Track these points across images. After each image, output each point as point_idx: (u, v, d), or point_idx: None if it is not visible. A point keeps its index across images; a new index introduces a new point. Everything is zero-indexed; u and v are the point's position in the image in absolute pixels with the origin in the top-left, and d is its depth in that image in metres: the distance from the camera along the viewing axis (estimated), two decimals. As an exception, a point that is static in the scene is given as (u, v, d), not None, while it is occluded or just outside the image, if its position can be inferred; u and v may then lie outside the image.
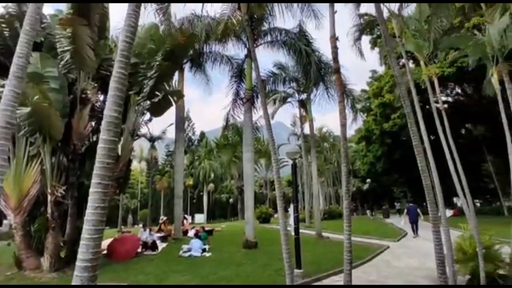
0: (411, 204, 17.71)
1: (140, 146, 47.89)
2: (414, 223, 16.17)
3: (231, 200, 55.68)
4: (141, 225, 19.32)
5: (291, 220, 8.93)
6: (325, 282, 7.96)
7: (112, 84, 2.72)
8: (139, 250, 12.13)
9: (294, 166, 8.93)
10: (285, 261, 2.99)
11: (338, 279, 8.14)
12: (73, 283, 2.28)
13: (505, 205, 28.34)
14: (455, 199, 41.96)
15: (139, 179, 54.97)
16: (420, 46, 8.13)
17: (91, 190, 2.43)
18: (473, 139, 31.37)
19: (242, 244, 12.52)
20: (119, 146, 12.93)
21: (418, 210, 16.29)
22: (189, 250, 11.53)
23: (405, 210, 17.39)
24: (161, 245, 13.33)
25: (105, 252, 11.68)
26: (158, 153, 59.91)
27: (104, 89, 13.05)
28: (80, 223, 10.32)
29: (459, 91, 30.09)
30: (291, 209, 9.46)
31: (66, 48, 10.41)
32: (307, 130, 21.83)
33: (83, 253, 2.27)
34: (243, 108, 15.18)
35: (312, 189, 19.38)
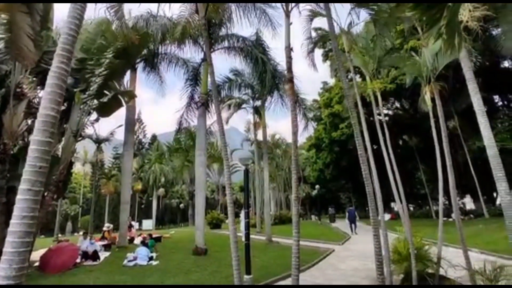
0: (350, 208, 22.60)
1: (85, 148, 44.37)
2: (352, 222, 20.32)
3: (181, 205, 54.07)
4: (81, 233, 17.80)
5: (242, 226, 8.93)
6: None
7: (50, 80, 2.47)
8: (78, 260, 11.15)
9: (246, 172, 8.98)
10: (234, 268, 2.98)
11: (287, 283, 8.34)
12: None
13: (433, 209, 31.55)
14: (392, 204, 45.73)
15: (82, 183, 50.85)
16: (366, 62, 8.80)
17: (18, 197, 2.17)
18: (408, 149, 34.53)
19: (191, 251, 12.20)
20: (60, 147, 11.88)
21: (355, 213, 20.49)
22: (135, 258, 10.90)
23: (346, 213, 21.29)
24: (103, 254, 12.41)
25: (37, 264, 10.54)
26: (105, 156, 56.16)
27: (43, 84, 11.89)
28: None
29: (398, 105, 33.08)
30: (242, 215, 9.48)
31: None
32: (260, 136, 22.17)
33: (5, 269, 2.02)
34: (197, 112, 14.92)
35: (264, 195, 19.67)
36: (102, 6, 10.15)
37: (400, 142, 37.72)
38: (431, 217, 28.31)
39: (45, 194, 10.26)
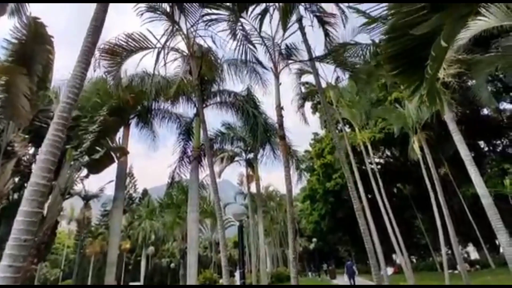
0: (349, 262, 23.26)
1: (72, 204, 42.72)
2: (351, 277, 20.44)
3: (172, 264, 50.78)
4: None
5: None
6: None
7: (44, 148, 2.42)
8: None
9: (240, 228, 8.65)
10: None
11: None
12: None
13: (437, 260, 30.27)
14: (394, 256, 43.84)
15: (66, 243, 48.04)
16: (354, 114, 9.17)
17: (-1, 274, 1.96)
18: (404, 197, 34.31)
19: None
20: (46, 207, 11.43)
21: (354, 268, 21.43)
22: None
23: (345, 268, 22.03)
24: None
25: None
26: (93, 213, 54.06)
27: (36, 141, 11.85)
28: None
29: (389, 153, 33.71)
30: (237, 274, 8.89)
31: (-4, 96, 9.52)
32: (254, 189, 21.91)
33: None
34: (189, 167, 14.85)
35: (259, 251, 18.76)
36: (99, 72, 10.65)
37: (395, 190, 37.55)
38: (436, 270, 27.04)
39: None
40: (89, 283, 34.98)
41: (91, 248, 41.62)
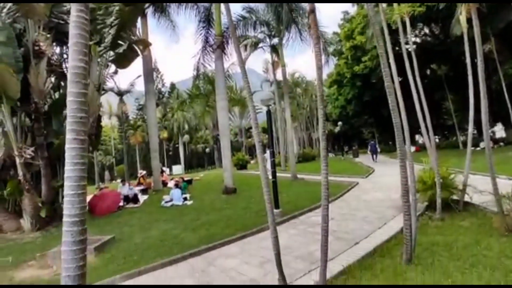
0: (372, 142, 28.72)
1: (109, 101, 45.57)
2: (373, 153, 25.27)
3: (207, 149, 56.13)
4: (119, 181, 19.31)
5: (268, 165, 9.30)
6: (301, 218, 8.64)
7: (73, 31, 2.43)
8: (121, 204, 12.31)
9: (268, 113, 9.03)
10: (266, 203, 3.21)
11: (313, 215, 8.88)
12: (63, 239, 2.35)
13: (460, 139, 30.80)
14: (417, 137, 45.02)
15: (112, 135, 53.34)
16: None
17: (67, 146, 2.34)
18: (436, 79, 32.57)
19: (221, 191, 13.02)
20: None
21: (377, 146, 26.40)
22: (171, 200, 11.87)
23: (369, 146, 27.16)
24: (142, 198, 13.58)
25: (86, 208, 11.78)
26: (129, 108, 57.56)
27: (59, 40, 11.86)
28: (56, 183, 10.15)
29: (427, 31, 30.34)
30: (267, 154, 9.82)
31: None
32: (279, 76, 21.60)
33: (68, 209, 2.30)
34: (213, 56, 14.57)
35: (287, 134, 19.87)
36: None
37: (428, 72, 35.53)
38: (458, 148, 27.78)
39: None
40: (138, 167, 40.32)
41: (134, 139, 46.17)
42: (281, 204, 8.95)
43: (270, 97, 9.00)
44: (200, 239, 7.11)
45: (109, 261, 6.27)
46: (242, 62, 3.47)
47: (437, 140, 43.48)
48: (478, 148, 24.34)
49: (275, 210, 8.46)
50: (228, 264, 5.60)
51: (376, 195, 10.83)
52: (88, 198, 12.27)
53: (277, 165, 23.92)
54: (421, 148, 32.95)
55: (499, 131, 35.84)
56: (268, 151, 9.60)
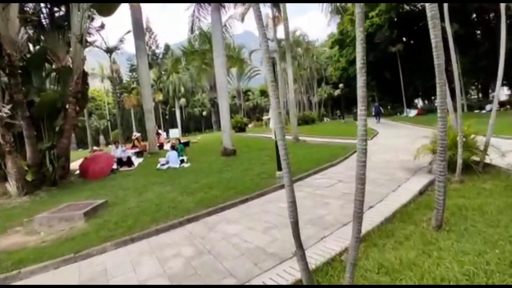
0: (376, 104, 30.61)
1: (100, 63, 43.57)
2: (377, 115, 26.91)
3: (204, 113, 55.04)
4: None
5: (271, 124, 8.57)
6: (306, 181, 8.11)
7: None
8: (115, 167, 11.74)
9: (272, 65, 8.11)
10: (283, 161, 2.52)
11: (319, 177, 8.35)
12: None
13: (465, 103, 29.95)
14: (416, 101, 44.12)
15: (106, 99, 51.83)
16: None
17: None
18: (444, 39, 30.85)
19: (220, 152, 12.42)
20: (69, 58, 11.19)
21: (380, 108, 28.00)
22: (167, 162, 11.28)
23: (372, 108, 28.41)
24: (137, 161, 13.01)
25: (78, 172, 11.19)
26: (122, 71, 55.45)
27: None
28: (41, 145, 9.42)
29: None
30: (271, 113, 9.00)
31: None
32: (280, 34, 20.04)
33: None
34: (209, 8, 13.19)
35: (289, 94, 18.88)
36: None
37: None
38: (462, 111, 27.06)
39: (66, 107, 10.09)
40: (134, 130, 39.51)
41: (128, 102, 44.88)
42: (284, 166, 8.36)
43: (274, 49, 8.01)
44: (198, 202, 6.59)
45: (101, 226, 5.74)
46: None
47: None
48: (483, 111, 23.68)
49: (279, 172, 7.90)
50: (230, 230, 5.08)
51: (383, 156, 10.28)
52: (80, 161, 11.67)
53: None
54: (423, 111, 32.29)
55: (505, 92, 34.96)
56: (271, 110, 8.80)
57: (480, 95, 35.76)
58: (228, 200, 6.61)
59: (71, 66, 10.28)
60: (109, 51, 24.93)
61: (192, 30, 16.43)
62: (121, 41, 23.39)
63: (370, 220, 4.86)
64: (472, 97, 39.08)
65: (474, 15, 28.62)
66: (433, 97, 43.76)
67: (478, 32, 30.79)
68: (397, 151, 10.96)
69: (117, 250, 4.79)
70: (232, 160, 11.52)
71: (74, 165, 11.98)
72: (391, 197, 6.02)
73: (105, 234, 5.33)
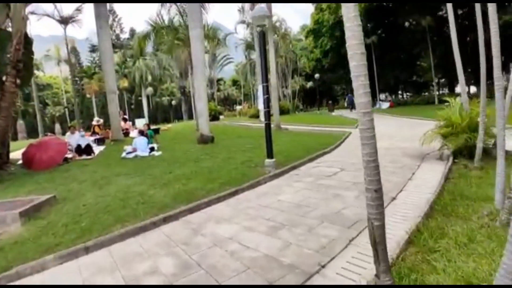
0: (349, 95, 31.80)
1: (56, 46, 39.48)
2: (351, 104, 28.19)
3: (173, 102, 52.19)
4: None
5: (260, 104, 7.36)
6: (302, 169, 7.04)
7: None
8: (70, 155, 9.87)
9: (262, 34, 6.87)
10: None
11: (315, 165, 7.32)
12: None
13: (436, 94, 30.68)
14: (387, 93, 44.99)
15: (63, 87, 47.38)
16: None
17: None
18: (417, 32, 31.20)
19: (196, 140, 11.01)
20: (7, 21, 9.12)
21: (353, 99, 28.66)
22: (134, 150, 9.66)
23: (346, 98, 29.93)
24: (97, 149, 11.19)
25: (21, 162, 9.22)
26: (80, 55, 50.95)
27: None
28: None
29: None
30: (259, 91, 7.77)
31: None
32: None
33: None
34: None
35: (270, 79, 17.65)
36: None
37: (406, 24, 34.08)
38: (434, 103, 27.45)
39: (4, 79, 8.14)
40: (95, 119, 36.33)
41: (90, 89, 41.21)
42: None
43: (265, 14, 6.74)
44: (176, 196, 5.24)
45: (43, 231, 4.21)
46: None
47: (408, 96, 43.61)
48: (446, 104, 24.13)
49: (268, 160, 6.74)
50: (222, 232, 3.84)
51: (380, 144, 9.15)
52: (23, 149, 9.62)
53: (255, 117, 22.15)
54: (395, 104, 32.68)
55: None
56: (260, 87, 7.55)
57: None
58: (213, 193, 5.34)
59: (10, 29, 8.28)
60: (64, 21, 21.81)
61: None
62: (78, 9, 20.55)
63: (402, 215, 3.88)
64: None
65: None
66: (399, 92, 45.04)
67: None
68: (391, 138, 10.43)
69: (63, 266, 3.36)
70: (211, 148, 10.17)
71: (17, 154, 9.93)
72: (411, 187, 5.11)
73: (48, 241, 3.85)
